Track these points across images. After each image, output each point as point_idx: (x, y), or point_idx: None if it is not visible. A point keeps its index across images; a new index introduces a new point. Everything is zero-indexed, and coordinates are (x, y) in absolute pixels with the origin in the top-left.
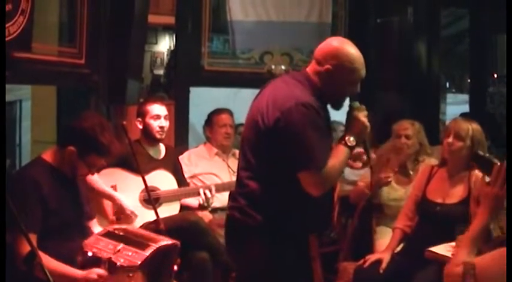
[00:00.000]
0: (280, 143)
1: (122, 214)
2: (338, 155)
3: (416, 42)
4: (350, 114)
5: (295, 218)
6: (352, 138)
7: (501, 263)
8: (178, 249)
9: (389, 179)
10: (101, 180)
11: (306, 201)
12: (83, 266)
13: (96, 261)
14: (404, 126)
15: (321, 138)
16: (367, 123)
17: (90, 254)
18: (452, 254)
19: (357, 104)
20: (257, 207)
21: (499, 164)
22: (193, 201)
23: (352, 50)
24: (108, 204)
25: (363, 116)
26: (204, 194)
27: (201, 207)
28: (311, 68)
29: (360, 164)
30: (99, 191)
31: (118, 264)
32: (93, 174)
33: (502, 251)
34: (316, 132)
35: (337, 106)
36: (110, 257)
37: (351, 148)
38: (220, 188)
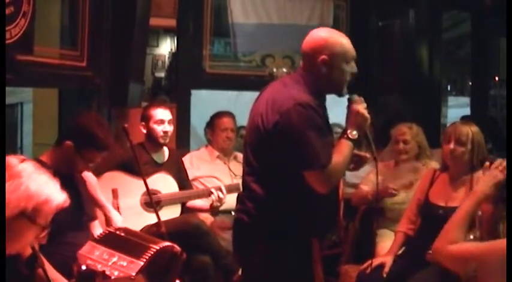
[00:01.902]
0: (282, 145)
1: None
2: (341, 150)
3: (418, 45)
4: (349, 107)
5: (300, 220)
6: (354, 132)
7: (502, 253)
8: (183, 259)
9: (394, 192)
10: (102, 183)
11: (311, 204)
12: (79, 279)
13: (90, 274)
14: (402, 130)
15: (322, 136)
16: (367, 115)
17: (84, 267)
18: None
19: (355, 96)
20: (263, 210)
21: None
22: (203, 203)
23: (338, 36)
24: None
25: (362, 108)
26: (217, 195)
27: (213, 208)
28: (304, 66)
29: (352, 165)
30: (94, 199)
31: (113, 277)
32: (89, 170)
33: (503, 242)
34: (316, 131)
35: (340, 92)
36: (104, 270)
37: (354, 141)
38: (227, 190)
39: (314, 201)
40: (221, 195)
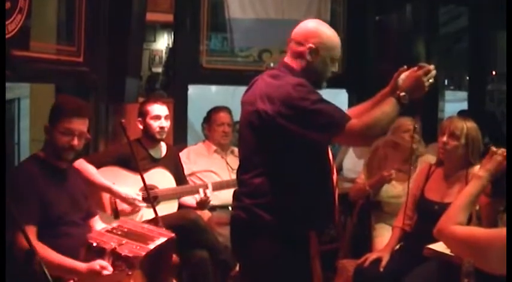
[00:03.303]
0: (292, 129)
1: (124, 204)
2: (383, 105)
3: (415, 39)
4: (413, 72)
5: (299, 215)
6: (404, 93)
7: (502, 242)
8: (174, 241)
9: (392, 176)
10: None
11: (310, 198)
12: (87, 257)
13: (100, 252)
14: (410, 121)
15: (327, 102)
16: (425, 85)
17: (94, 244)
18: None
19: (426, 64)
20: (263, 205)
21: None
22: (191, 200)
23: (329, 29)
24: (106, 199)
25: (424, 76)
26: (204, 192)
27: (199, 205)
28: (289, 55)
29: None
30: (96, 184)
31: (123, 254)
32: (74, 145)
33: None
34: (321, 101)
35: (319, 85)
36: (115, 248)
37: (401, 103)
38: (218, 186)
39: (313, 195)
40: (208, 194)
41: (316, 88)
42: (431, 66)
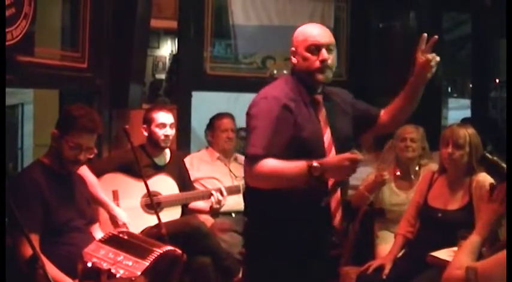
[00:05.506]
0: None
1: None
2: (290, 166)
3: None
4: (346, 155)
5: (288, 224)
6: (317, 166)
7: (504, 266)
8: (183, 261)
9: (385, 177)
10: (103, 185)
11: (299, 207)
12: (83, 276)
13: (95, 272)
14: (409, 130)
15: (272, 129)
16: (348, 173)
17: (89, 264)
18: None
19: (357, 152)
20: (254, 216)
21: (504, 168)
22: (203, 205)
23: (306, 26)
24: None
25: (352, 163)
26: (217, 197)
27: (213, 210)
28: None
29: None
30: (94, 197)
31: (118, 276)
32: (80, 159)
33: (504, 254)
34: (267, 123)
35: (312, 79)
36: (110, 269)
37: (311, 173)
38: (227, 191)
39: (300, 205)
40: (220, 197)
41: (316, 85)
42: (360, 157)
